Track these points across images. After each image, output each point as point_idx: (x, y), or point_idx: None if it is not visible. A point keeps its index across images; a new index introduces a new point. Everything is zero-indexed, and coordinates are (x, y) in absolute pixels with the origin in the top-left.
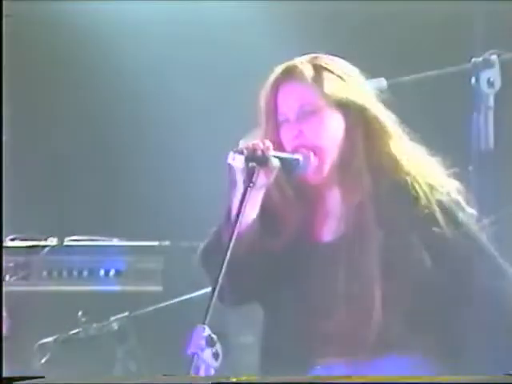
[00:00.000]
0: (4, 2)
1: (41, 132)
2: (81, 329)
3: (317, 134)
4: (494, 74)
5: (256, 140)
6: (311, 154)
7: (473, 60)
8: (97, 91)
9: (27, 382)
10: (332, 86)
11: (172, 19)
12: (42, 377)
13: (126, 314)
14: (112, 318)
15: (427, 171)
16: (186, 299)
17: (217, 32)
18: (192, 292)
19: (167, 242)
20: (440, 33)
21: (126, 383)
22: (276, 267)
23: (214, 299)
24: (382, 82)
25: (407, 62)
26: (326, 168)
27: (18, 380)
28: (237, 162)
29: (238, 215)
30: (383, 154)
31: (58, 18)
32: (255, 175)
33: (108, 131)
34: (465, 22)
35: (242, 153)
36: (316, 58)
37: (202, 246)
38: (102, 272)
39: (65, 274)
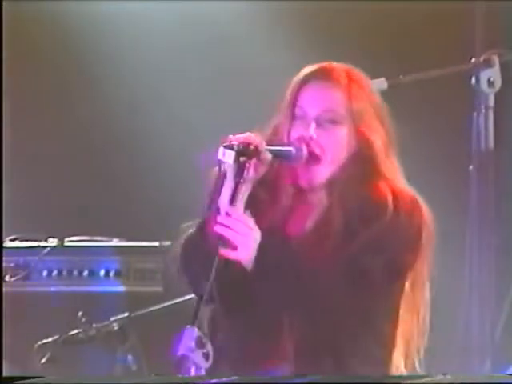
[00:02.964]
0: (4, 2)
1: (41, 132)
2: (81, 329)
3: (329, 145)
4: (494, 74)
5: (247, 133)
6: (304, 146)
7: (473, 60)
8: (97, 92)
9: (27, 381)
10: (360, 104)
11: (171, 18)
12: (42, 377)
13: (126, 314)
14: (112, 319)
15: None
16: (186, 300)
17: (217, 31)
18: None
19: (167, 243)
20: (440, 33)
21: (125, 383)
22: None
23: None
24: (383, 83)
25: (407, 62)
26: (322, 176)
27: (18, 380)
28: (227, 157)
29: (228, 212)
30: (373, 188)
31: (58, 18)
32: (246, 170)
33: (109, 131)
34: (465, 22)
35: (232, 148)
36: (350, 69)
37: (184, 237)
38: (102, 272)
39: (65, 274)
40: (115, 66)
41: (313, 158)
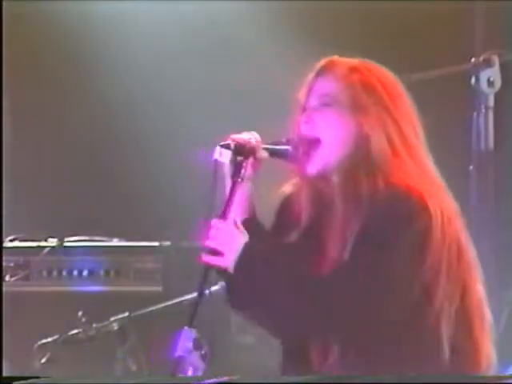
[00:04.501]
0: (4, 2)
1: (41, 132)
2: (81, 329)
3: (323, 127)
4: (494, 74)
5: (245, 133)
6: (301, 146)
7: (473, 60)
8: (96, 92)
9: (27, 381)
10: (359, 91)
11: (171, 19)
12: (42, 377)
13: (126, 314)
14: (112, 319)
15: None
16: (186, 300)
17: (217, 32)
18: (192, 292)
19: (167, 242)
20: (440, 33)
21: (125, 383)
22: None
23: (201, 302)
24: None
25: (407, 62)
26: (322, 163)
27: (17, 380)
28: (224, 157)
29: (226, 210)
30: (383, 175)
31: (58, 18)
32: (243, 169)
33: (109, 131)
34: (465, 22)
35: (228, 147)
36: (357, 61)
37: None
38: (102, 272)
39: (65, 273)
40: (115, 66)
41: (312, 142)
